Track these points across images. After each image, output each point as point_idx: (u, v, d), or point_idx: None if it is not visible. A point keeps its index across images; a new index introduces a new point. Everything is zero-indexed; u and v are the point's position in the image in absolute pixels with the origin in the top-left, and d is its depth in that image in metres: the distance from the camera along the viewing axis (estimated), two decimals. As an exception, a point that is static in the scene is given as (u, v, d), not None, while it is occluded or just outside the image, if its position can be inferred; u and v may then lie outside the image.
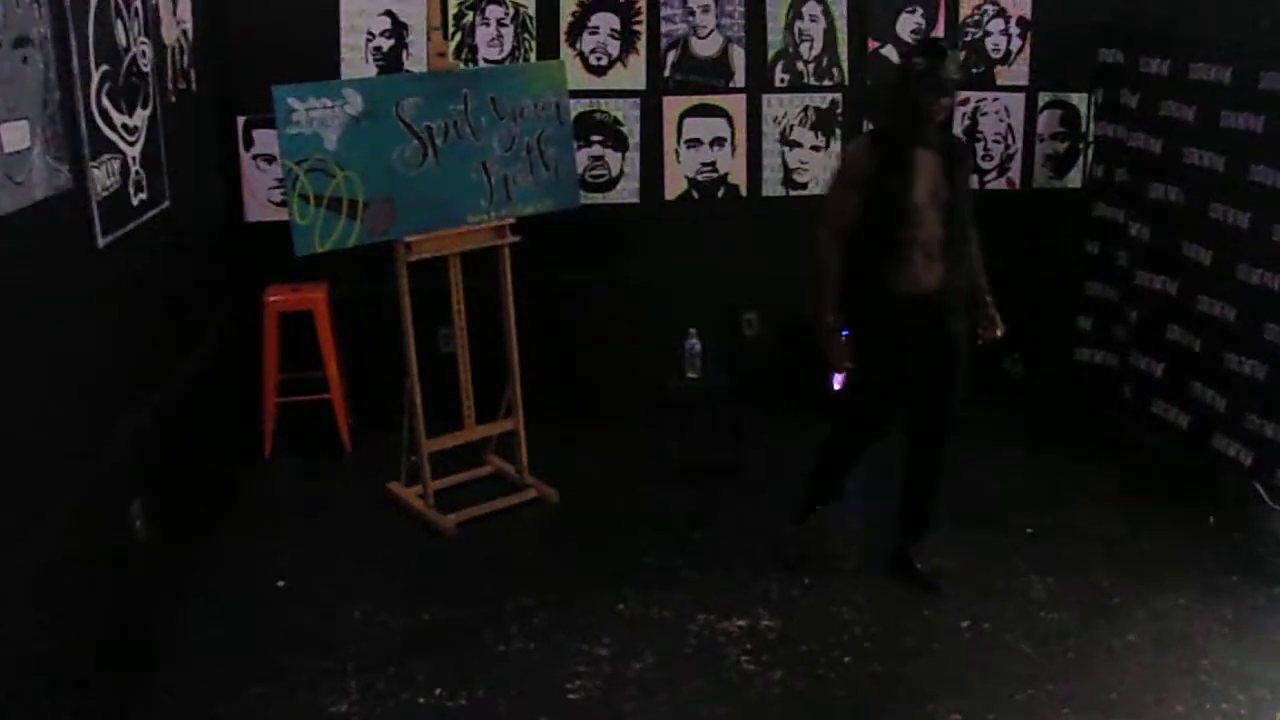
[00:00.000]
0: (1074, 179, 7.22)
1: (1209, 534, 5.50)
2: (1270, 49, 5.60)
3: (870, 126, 6.83)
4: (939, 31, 6.85)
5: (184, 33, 5.66)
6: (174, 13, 5.49)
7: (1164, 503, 5.79)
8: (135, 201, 4.75)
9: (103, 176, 4.37)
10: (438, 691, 4.29)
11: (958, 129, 6.79)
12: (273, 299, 6.17)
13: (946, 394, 4.84)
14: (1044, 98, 7.12)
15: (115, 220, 4.48)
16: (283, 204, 5.10)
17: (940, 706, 4.23)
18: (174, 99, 5.40)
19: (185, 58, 5.65)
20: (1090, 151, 7.06)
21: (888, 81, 4.80)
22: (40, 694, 3.61)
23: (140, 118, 4.86)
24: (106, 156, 4.42)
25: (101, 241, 4.33)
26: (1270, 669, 4.44)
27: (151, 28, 5.10)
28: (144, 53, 4.96)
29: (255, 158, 6.37)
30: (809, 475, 5.21)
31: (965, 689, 4.33)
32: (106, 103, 4.44)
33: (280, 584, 5.05)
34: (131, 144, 4.73)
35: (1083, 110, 7.12)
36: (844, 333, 4.85)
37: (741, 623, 4.74)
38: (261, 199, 6.39)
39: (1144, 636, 4.67)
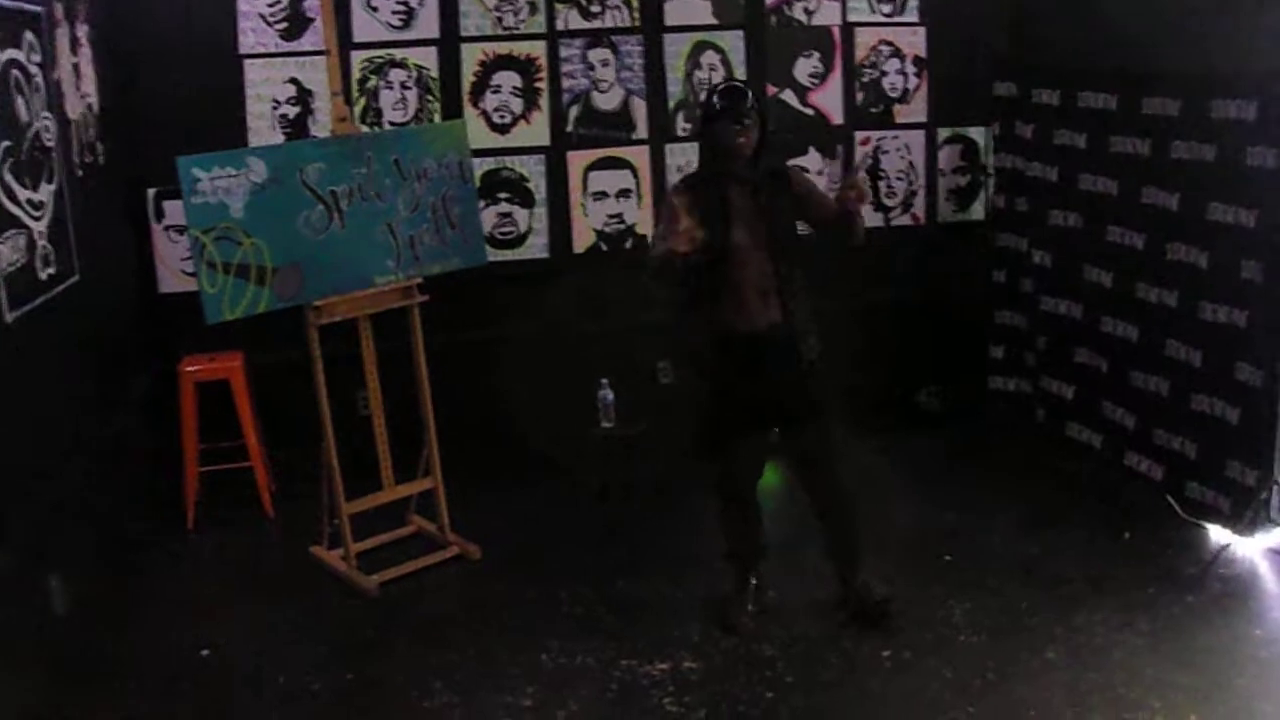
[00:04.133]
0: (977, 211, 7.35)
1: (1124, 549, 5.59)
2: (1153, 75, 5.78)
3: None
4: (836, 74, 6.99)
5: (89, 106, 5.68)
6: (77, 87, 5.52)
7: (1080, 522, 5.86)
8: (43, 276, 4.76)
9: (8, 252, 4.40)
10: (363, 751, 4.29)
11: (864, 169, 6.90)
12: (189, 369, 6.15)
13: (814, 424, 4.83)
14: (943, 133, 7.26)
15: (22, 296, 4.50)
16: (195, 274, 5.12)
17: (863, 735, 4.27)
18: (81, 173, 5.42)
19: (91, 131, 5.67)
20: (991, 183, 7.21)
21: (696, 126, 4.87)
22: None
23: (45, 192, 4.88)
24: (11, 232, 4.45)
25: (9, 317, 4.34)
26: (1186, 675, 4.52)
27: (54, 102, 5.12)
28: (47, 128, 4.98)
29: (167, 229, 6.38)
30: (724, 553, 5.17)
31: (889, 717, 4.38)
32: (9, 178, 4.47)
33: (205, 653, 5.02)
34: (37, 219, 4.75)
35: (981, 143, 7.27)
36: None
37: (664, 665, 4.76)
38: (174, 269, 6.39)
39: (1062, 653, 4.73)
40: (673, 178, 6.88)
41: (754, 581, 5.17)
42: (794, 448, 4.94)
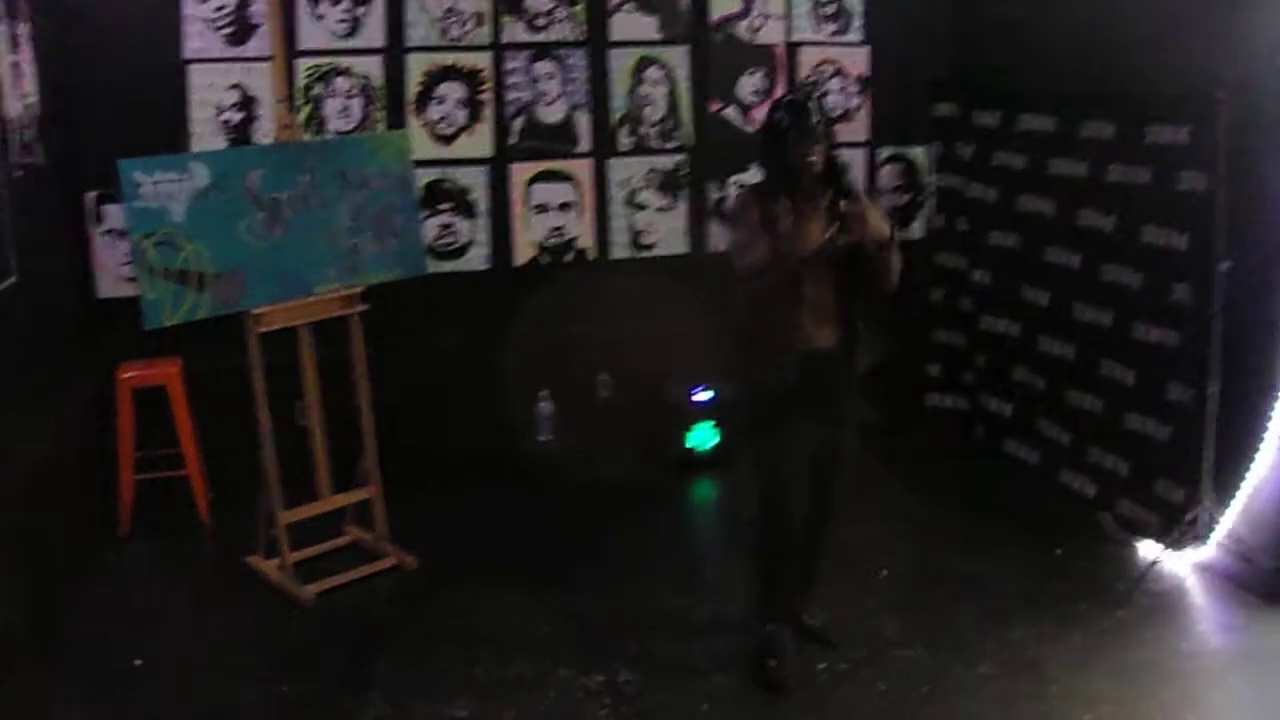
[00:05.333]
0: (916, 230, 7.41)
1: (1058, 565, 5.64)
2: (1090, 98, 5.87)
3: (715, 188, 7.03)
4: (779, 92, 7.01)
5: (28, 106, 5.61)
6: (16, 86, 5.44)
7: (1015, 538, 5.92)
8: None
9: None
10: (296, 761, 4.26)
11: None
12: (126, 375, 6.10)
13: (837, 453, 4.76)
14: (884, 152, 7.33)
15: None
16: (134, 279, 5.09)
17: (797, 747, 4.30)
18: (20, 173, 5.35)
19: (31, 131, 5.60)
20: (931, 202, 7.28)
21: (761, 142, 4.62)
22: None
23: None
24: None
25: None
26: (1115, 688, 4.60)
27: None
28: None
29: (106, 233, 6.31)
30: (758, 596, 4.91)
31: (823, 729, 4.41)
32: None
33: (138, 662, 4.97)
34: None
35: (921, 163, 7.35)
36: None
37: (600, 677, 4.77)
38: (113, 275, 6.33)
39: (995, 667, 4.79)
40: (615, 192, 6.94)
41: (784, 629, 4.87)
42: (815, 454, 4.74)
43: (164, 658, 5.02)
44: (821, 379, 4.57)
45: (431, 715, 4.54)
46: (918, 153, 7.35)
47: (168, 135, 6.17)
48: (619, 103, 6.89)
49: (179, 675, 4.89)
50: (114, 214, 6.17)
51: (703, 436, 6.98)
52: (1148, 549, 5.66)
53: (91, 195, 6.27)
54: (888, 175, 7.36)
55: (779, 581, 4.84)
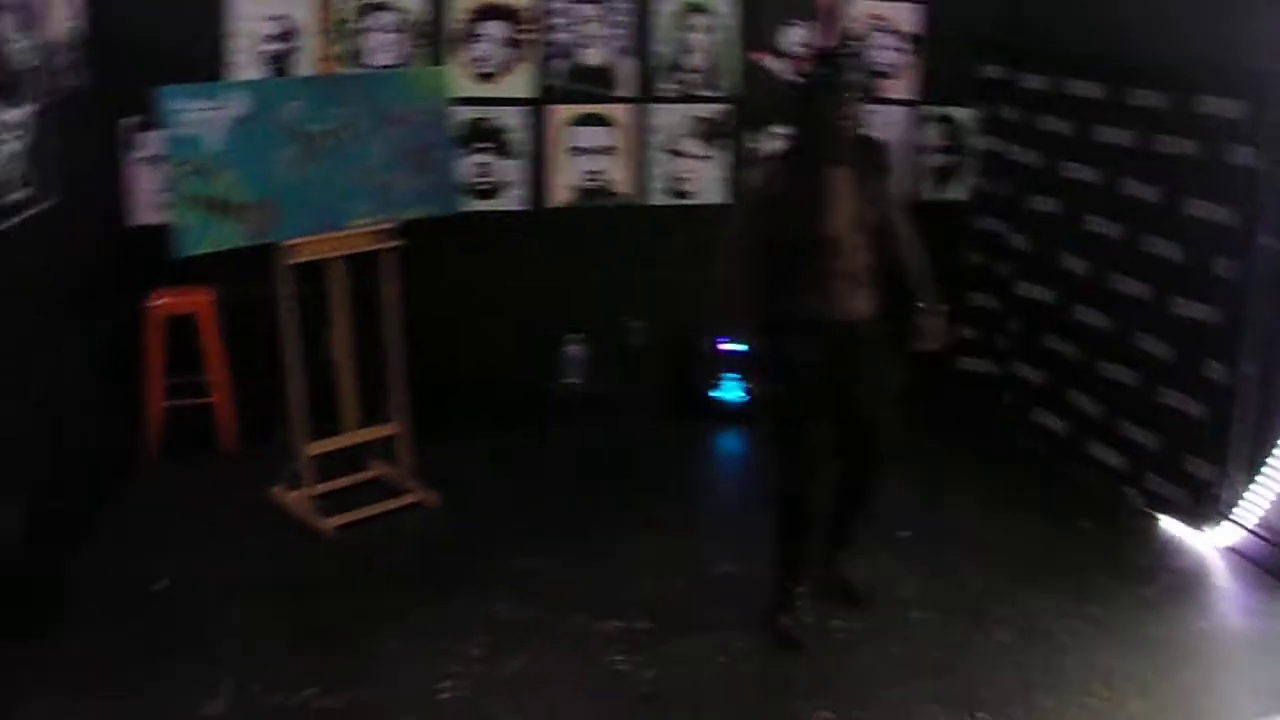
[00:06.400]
0: (957, 191, 7.33)
1: (1081, 537, 5.63)
2: (1141, 66, 5.77)
3: (754, 140, 6.97)
4: (825, 45, 6.93)
5: (71, 30, 5.60)
6: (58, 11, 5.43)
7: (1039, 507, 5.90)
8: (15, 199, 4.71)
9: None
10: (310, 691, 4.29)
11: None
12: (157, 302, 6.13)
13: (882, 420, 4.62)
14: (928, 112, 7.24)
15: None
16: (168, 207, 5.09)
17: (810, 704, 4.30)
18: (59, 97, 5.34)
19: (71, 56, 5.59)
20: (973, 165, 7.20)
21: (791, 98, 4.51)
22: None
23: (23, 114, 4.82)
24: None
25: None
26: (1132, 663, 4.57)
27: (34, 23, 5.05)
28: (25, 49, 4.91)
29: (142, 160, 6.31)
30: (774, 562, 4.81)
31: (836, 687, 4.41)
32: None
33: (159, 586, 5.02)
34: (14, 141, 4.70)
35: (966, 124, 7.26)
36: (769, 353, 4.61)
37: (616, 623, 4.79)
38: (148, 202, 6.33)
39: (1012, 635, 4.78)
40: (655, 138, 6.88)
41: (799, 590, 4.84)
42: (856, 438, 4.65)
43: (184, 582, 5.07)
44: (858, 350, 4.49)
45: (446, 653, 4.57)
46: (963, 114, 7.25)
47: (208, 64, 6.15)
48: (662, 49, 6.82)
49: (198, 599, 4.93)
50: (151, 141, 6.16)
51: (731, 389, 6.98)
52: (1173, 526, 5.63)
53: (129, 121, 6.26)
54: (931, 135, 7.26)
55: (797, 545, 4.79)
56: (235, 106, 5.10)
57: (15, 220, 4.72)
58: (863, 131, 4.50)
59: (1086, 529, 5.70)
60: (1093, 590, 5.11)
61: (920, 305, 4.59)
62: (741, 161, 7.00)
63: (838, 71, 4.30)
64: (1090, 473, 6.13)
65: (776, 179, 4.42)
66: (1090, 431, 6.17)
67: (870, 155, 4.52)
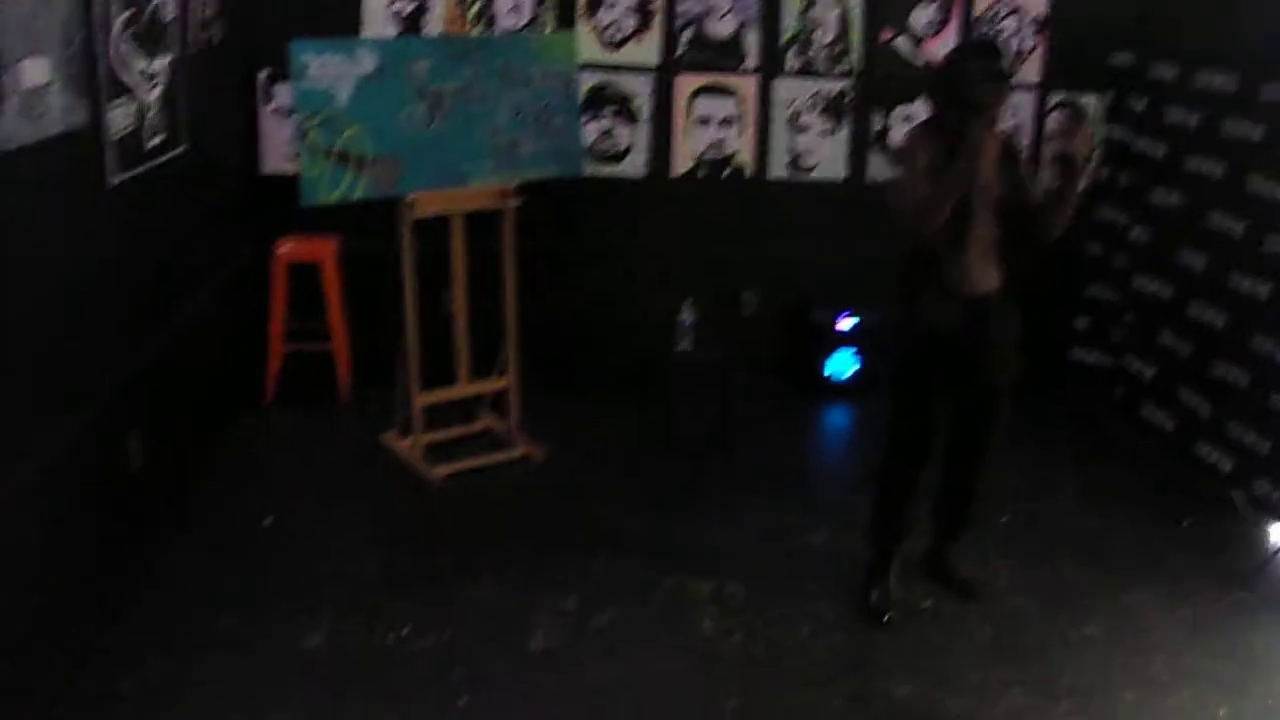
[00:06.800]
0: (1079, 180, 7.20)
1: (1181, 537, 5.56)
2: (1272, 60, 5.66)
3: (882, 118, 6.97)
4: (953, 25, 6.90)
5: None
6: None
7: (1141, 503, 5.85)
8: (150, 145, 4.89)
9: (119, 118, 4.52)
10: (405, 632, 4.44)
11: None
12: (283, 249, 6.31)
13: (999, 396, 4.68)
14: (1055, 97, 7.14)
15: (128, 161, 4.62)
16: (297, 157, 5.26)
17: (892, 680, 4.34)
18: (196, 49, 5.52)
19: (210, 9, 5.77)
20: (1098, 154, 7.11)
21: (939, 77, 4.57)
22: (25, 610, 3.78)
23: (160, 64, 4.99)
24: (124, 99, 4.57)
25: (114, 180, 4.48)
26: (1221, 667, 4.52)
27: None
28: (167, 1, 5.09)
29: (275, 111, 6.50)
30: (870, 524, 4.90)
31: (919, 665, 4.44)
32: (126, 47, 4.58)
33: (266, 523, 5.21)
34: (150, 89, 4.87)
35: (1091, 112, 7.16)
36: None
37: (708, 587, 4.86)
38: (278, 152, 6.51)
39: (1102, 628, 4.75)
40: (779, 112, 6.90)
41: (892, 557, 4.90)
42: (971, 412, 4.71)
43: (291, 521, 5.25)
44: (984, 324, 4.53)
45: (540, 603, 4.69)
46: (1089, 101, 7.15)
47: (340, 20, 6.31)
48: (790, 23, 6.81)
49: (303, 538, 5.11)
50: (283, 93, 6.34)
51: (842, 363, 7.00)
52: (1278, 532, 5.54)
53: (263, 73, 6.45)
54: (1056, 121, 7.18)
55: (897, 519, 4.84)
56: (364, 62, 5.23)
57: (154, 163, 4.90)
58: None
59: (1189, 530, 5.63)
60: (1190, 592, 5.05)
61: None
62: (866, 139, 7.00)
63: (995, 59, 4.42)
64: (1197, 473, 6.03)
65: (925, 154, 4.47)
66: (1200, 431, 6.08)
67: (1007, 140, 4.63)
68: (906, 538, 4.91)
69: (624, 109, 6.79)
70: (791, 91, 6.90)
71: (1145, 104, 6.57)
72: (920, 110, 6.88)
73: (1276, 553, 5.34)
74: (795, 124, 6.96)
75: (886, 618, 4.74)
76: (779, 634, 4.60)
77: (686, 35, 6.74)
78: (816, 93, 6.93)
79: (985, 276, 4.51)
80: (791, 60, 6.87)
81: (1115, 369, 6.83)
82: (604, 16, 6.63)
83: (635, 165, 6.88)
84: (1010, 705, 4.24)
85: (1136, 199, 6.62)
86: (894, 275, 4.63)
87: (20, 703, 3.74)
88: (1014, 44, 6.99)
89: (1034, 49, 7.04)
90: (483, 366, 6.02)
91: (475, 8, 6.48)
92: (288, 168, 6.29)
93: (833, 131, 7.00)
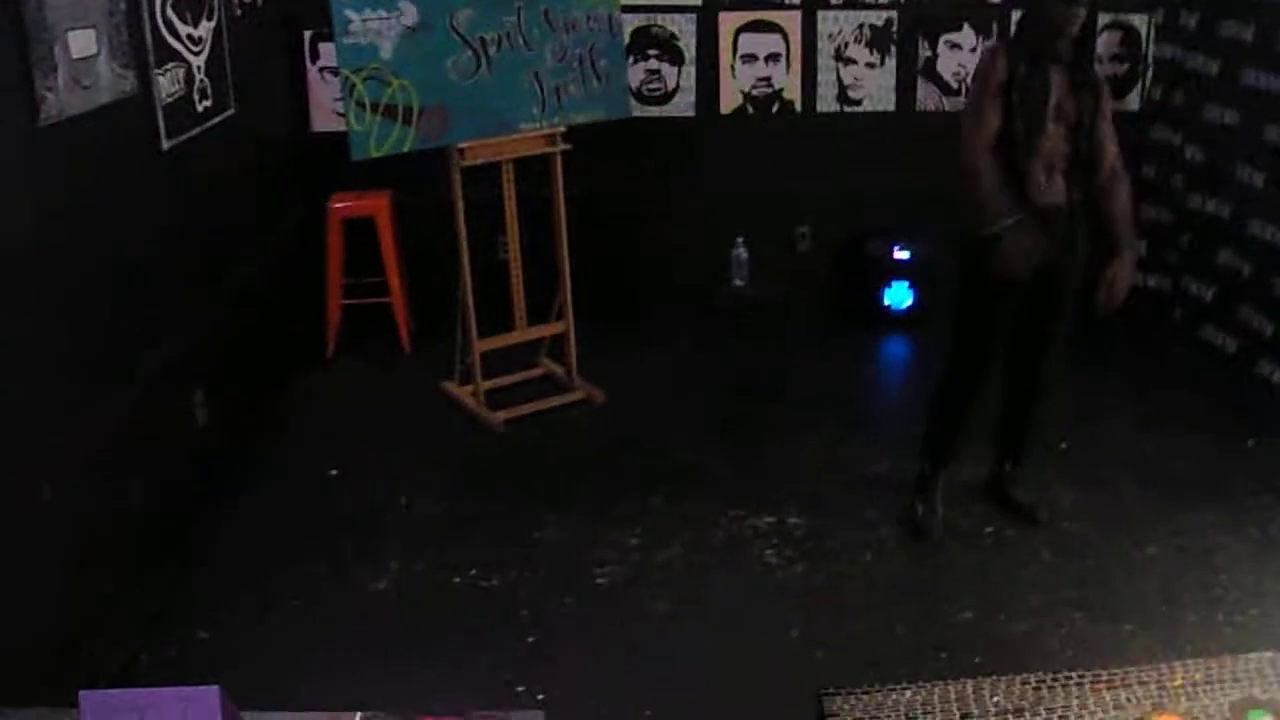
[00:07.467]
0: (1132, 101, 7.14)
1: (1245, 456, 5.50)
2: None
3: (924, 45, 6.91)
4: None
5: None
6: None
7: (1204, 425, 5.79)
8: (200, 108, 4.96)
9: (167, 84, 4.59)
10: (472, 572, 4.53)
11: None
12: (337, 205, 6.38)
13: (1060, 316, 4.69)
14: (1104, 18, 7.03)
15: (179, 125, 4.70)
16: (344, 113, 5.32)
17: (954, 605, 4.36)
18: (240, 12, 5.58)
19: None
20: (1149, 73, 7.02)
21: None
22: (104, 567, 3.91)
23: (205, 29, 5.05)
24: (171, 65, 4.63)
25: (165, 144, 4.56)
26: (1289, 586, 4.49)
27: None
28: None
29: (321, 70, 6.57)
30: (921, 450, 4.97)
31: (981, 590, 4.45)
32: (171, 14, 4.65)
33: (333, 472, 5.31)
34: (196, 54, 4.94)
35: (1143, 31, 7.06)
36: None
37: (769, 519, 4.91)
38: (327, 109, 6.58)
39: (1165, 550, 4.73)
40: (824, 45, 6.87)
41: (940, 476, 4.96)
42: (1031, 332, 4.72)
43: (356, 469, 5.34)
44: (1052, 238, 4.48)
45: (604, 542, 4.75)
46: (1139, 20, 7.06)
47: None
48: (833, -46, 6.78)
49: (369, 486, 5.21)
50: (329, 51, 6.36)
51: (899, 295, 7.00)
52: (1345, 448, 5.48)
53: (308, 33, 6.52)
54: (1106, 42, 7.08)
55: (952, 436, 4.89)
56: (406, 15, 5.26)
57: (204, 127, 4.97)
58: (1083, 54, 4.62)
59: (1251, 449, 5.57)
60: (1254, 511, 5.01)
61: (1117, 248, 4.59)
62: (914, 69, 6.97)
63: None
64: (1262, 392, 5.97)
65: (1002, 63, 4.45)
66: (1261, 349, 6.02)
67: (1084, 62, 4.64)
68: (955, 460, 4.95)
69: (669, 49, 6.78)
70: (836, 24, 6.86)
71: (1196, 19, 6.47)
72: (967, 38, 6.85)
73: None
74: (841, 57, 6.92)
75: (929, 533, 4.80)
76: (841, 563, 4.64)
77: (729, -30, 6.72)
78: (861, 24, 6.88)
79: (1053, 187, 4.49)
80: (836, -6, 6.84)
81: (1174, 291, 6.77)
82: (646, -44, 6.63)
83: (683, 105, 6.88)
84: (1072, 629, 4.24)
85: (1189, 117, 6.54)
86: (960, 196, 4.57)
87: (105, 653, 3.86)
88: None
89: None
90: (539, 312, 6.07)
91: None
92: (337, 125, 6.33)
93: (880, 63, 6.95)
